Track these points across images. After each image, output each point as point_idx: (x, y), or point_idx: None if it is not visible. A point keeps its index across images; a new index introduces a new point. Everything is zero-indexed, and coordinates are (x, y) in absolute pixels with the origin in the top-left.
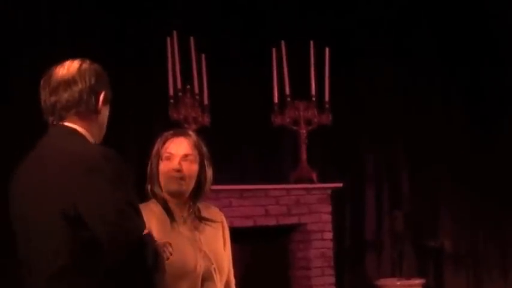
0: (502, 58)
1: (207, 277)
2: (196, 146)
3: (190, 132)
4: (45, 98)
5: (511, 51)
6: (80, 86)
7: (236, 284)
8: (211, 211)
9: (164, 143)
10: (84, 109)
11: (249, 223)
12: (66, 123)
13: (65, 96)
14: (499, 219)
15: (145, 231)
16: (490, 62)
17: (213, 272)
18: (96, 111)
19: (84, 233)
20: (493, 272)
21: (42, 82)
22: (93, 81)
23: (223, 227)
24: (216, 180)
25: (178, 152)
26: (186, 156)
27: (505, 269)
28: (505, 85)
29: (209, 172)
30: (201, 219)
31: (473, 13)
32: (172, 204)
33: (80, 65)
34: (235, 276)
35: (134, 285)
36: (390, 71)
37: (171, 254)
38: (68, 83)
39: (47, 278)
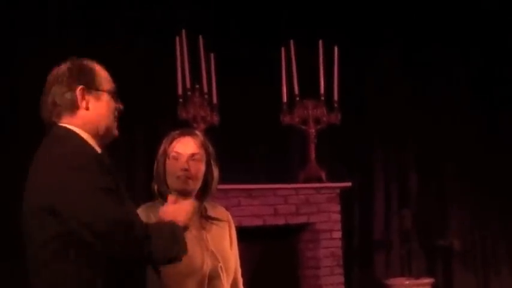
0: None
1: (213, 276)
2: (203, 146)
3: (197, 132)
4: (41, 100)
5: None
6: (55, 88)
7: (244, 283)
8: (217, 210)
9: (171, 143)
10: (69, 108)
11: (258, 222)
12: (60, 123)
13: (48, 98)
14: (507, 218)
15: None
16: (501, 61)
17: (220, 271)
18: (78, 107)
19: (68, 228)
20: (502, 271)
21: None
22: (64, 79)
23: (229, 226)
24: (225, 180)
25: (185, 152)
26: (193, 155)
27: None
28: None
29: (216, 171)
30: (208, 218)
31: (482, 10)
32: None
33: (59, 68)
34: (243, 276)
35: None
36: (400, 70)
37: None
38: (49, 86)
39: (39, 266)
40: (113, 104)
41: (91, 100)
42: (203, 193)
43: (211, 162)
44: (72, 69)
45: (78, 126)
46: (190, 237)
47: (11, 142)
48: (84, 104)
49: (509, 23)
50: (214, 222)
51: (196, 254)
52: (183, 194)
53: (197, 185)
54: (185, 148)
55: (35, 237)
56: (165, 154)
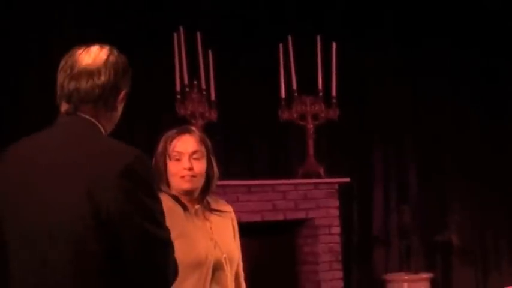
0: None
1: (218, 267)
2: (203, 141)
3: (194, 128)
4: (64, 82)
5: None
6: (103, 80)
7: (245, 278)
8: (220, 204)
9: (170, 142)
10: (102, 105)
11: (257, 218)
12: (83, 115)
13: (85, 86)
14: (507, 213)
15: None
16: (502, 56)
17: (224, 262)
18: (113, 109)
19: (108, 236)
20: (501, 266)
21: (62, 63)
22: (118, 77)
23: (232, 219)
24: (224, 176)
25: (186, 150)
26: (194, 153)
27: None
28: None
29: (215, 165)
30: (212, 210)
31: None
32: (182, 199)
33: (108, 56)
34: (244, 270)
35: None
36: (399, 66)
37: None
38: (92, 73)
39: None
40: None
41: (120, 105)
42: (206, 188)
43: (211, 157)
44: (123, 65)
45: (99, 123)
46: (194, 227)
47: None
48: (119, 107)
49: (509, 17)
50: (218, 214)
51: (201, 245)
52: (189, 193)
53: (201, 182)
54: (186, 147)
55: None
56: (165, 154)
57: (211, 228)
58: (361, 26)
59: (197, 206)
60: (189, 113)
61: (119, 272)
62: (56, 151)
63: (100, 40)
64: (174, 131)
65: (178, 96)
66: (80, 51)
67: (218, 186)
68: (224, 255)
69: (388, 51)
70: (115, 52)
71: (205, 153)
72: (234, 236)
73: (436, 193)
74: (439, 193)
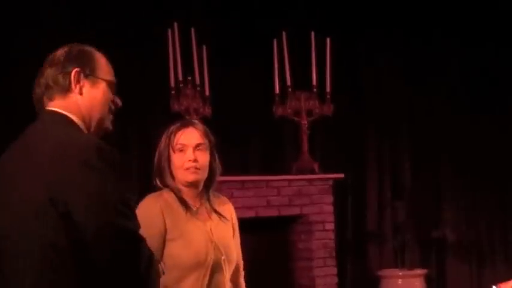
0: (506, 50)
1: (216, 268)
2: (206, 135)
3: (197, 122)
4: (33, 94)
5: None
6: (50, 70)
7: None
8: (221, 200)
9: (174, 135)
10: (57, 90)
11: (251, 214)
12: (50, 108)
13: (41, 81)
14: (501, 209)
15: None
16: (497, 52)
17: (223, 264)
18: (71, 90)
19: (72, 230)
20: (496, 262)
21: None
22: (60, 61)
23: (232, 217)
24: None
25: (190, 142)
26: (198, 145)
27: (508, 259)
28: (509, 77)
29: (217, 160)
30: (213, 210)
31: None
32: (185, 194)
33: (57, 51)
34: (244, 268)
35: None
36: (393, 61)
37: (163, 273)
38: (43, 68)
39: (32, 274)
40: (109, 95)
41: (86, 85)
42: (209, 183)
43: (214, 150)
44: (69, 52)
45: (71, 112)
46: (194, 228)
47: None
48: (78, 88)
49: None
50: (218, 213)
51: (201, 245)
52: (193, 185)
53: (205, 174)
54: (190, 139)
55: (26, 240)
56: (169, 147)
57: (211, 229)
58: (355, 22)
59: (198, 204)
60: (183, 108)
61: (88, 267)
62: (26, 148)
63: (94, 36)
64: (177, 124)
65: (173, 92)
66: None
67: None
68: (223, 257)
69: (382, 47)
70: (69, 45)
71: (208, 146)
72: (234, 233)
73: (430, 189)
74: (434, 189)
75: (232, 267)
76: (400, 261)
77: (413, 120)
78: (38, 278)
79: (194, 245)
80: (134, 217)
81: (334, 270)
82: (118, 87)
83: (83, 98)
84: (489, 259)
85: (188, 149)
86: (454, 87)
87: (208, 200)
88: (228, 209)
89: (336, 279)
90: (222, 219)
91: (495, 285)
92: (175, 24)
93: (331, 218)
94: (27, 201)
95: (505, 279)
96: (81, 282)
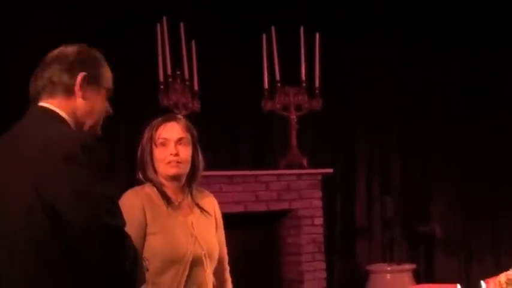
0: (495, 45)
1: (196, 263)
2: (188, 129)
3: (180, 116)
4: (30, 84)
5: (506, 37)
6: (55, 67)
7: (229, 262)
8: (204, 195)
9: (156, 130)
10: (60, 90)
11: (240, 209)
12: (44, 105)
13: (44, 74)
14: (490, 204)
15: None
16: (484, 48)
17: (203, 258)
18: (72, 92)
19: (58, 228)
20: (484, 257)
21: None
22: (69, 60)
23: (215, 212)
24: (207, 166)
25: (172, 137)
26: (180, 139)
27: (496, 255)
28: (498, 72)
29: (200, 155)
30: (195, 205)
31: None
32: (167, 189)
33: (66, 48)
34: (228, 262)
35: (109, 284)
36: (382, 57)
37: (147, 270)
38: (49, 61)
39: (21, 272)
40: (106, 104)
41: (89, 91)
42: (191, 177)
43: (197, 145)
44: (79, 53)
45: (67, 113)
46: (175, 222)
47: None
48: (80, 92)
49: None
50: (200, 207)
51: (180, 240)
52: (175, 179)
53: (187, 168)
54: (172, 133)
55: (15, 238)
56: (151, 141)
57: (192, 223)
58: (345, 17)
59: (180, 199)
60: (172, 103)
61: (75, 264)
62: (13, 146)
63: (83, 30)
64: (160, 118)
65: (162, 87)
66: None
67: (201, 176)
68: (204, 252)
69: (372, 42)
70: (68, 47)
71: (190, 141)
72: (217, 227)
73: (419, 184)
74: (422, 184)
75: (214, 262)
76: (388, 257)
77: (403, 115)
78: (26, 277)
79: (174, 239)
80: (120, 213)
81: (323, 265)
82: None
83: (82, 103)
84: (477, 254)
85: (170, 143)
86: (445, 84)
87: (191, 194)
88: (211, 204)
89: (324, 274)
90: (204, 213)
91: (483, 280)
92: (164, 19)
93: (320, 213)
94: (15, 199)
95: (493, 274)
96: (68, 279)
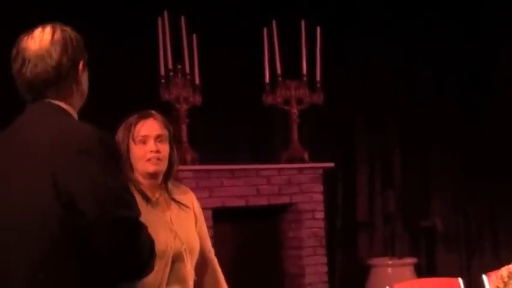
0: (494, 43)
1: (177, 258)
2: (166, 126)
3: (155, 112)
4: (19, 72)
5: (502, 34)
6: (55, 60)
7: (226, 264)
8: (181, 190)
9: (135, 127)
10: (65, 83)
11: (241, 203)
12: (49, 100)
13: (41, 71)
14: (490, 198)
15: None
16: (483, 46)
17: (184, 253)
18: (77, 82)
19: (75, 219)
20: (485, 251)
21: (14, 53)
22: (69, 51)
23: (193, 205)
24: (208, 160)
25: (151, 134)
26: (159, 136)
27: (497, 248)
28: (497, 68)
29: (175, 151)
30: (173, 200)
31: None
32: (144, 186)
33: (52, 36)
34: (228, 255)
35: (124, 275)
36: (383, 52)
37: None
38: (42, 57)
39: (31, 267)
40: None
41: (84, 76)
42: (167, 174)
43: (172, 141)
44: (77, 39)
45: (68, 104)
46: (154, 218)
47: None
48: (78, 80)
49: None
50: (179, 202)
51: (160, 236)
52: (153, 176)
53: (166, 165)
54: (151, 130)
55: (26, 224)
56: (128, 139)
57: (171, 218)
58: (346, 11)
59: (158, 195)
60: (173, 97)
61: (90, 255)
62: (23, 140)
63: (84, 24)
64: (136, 115)
65: (163, 81)
66: (25, 38)
67: (202, 170)
68: (184, 246)
69: (372, 36)
70: (58, 28)
71: (168, 137)
72: (197, 221)
73: (420, 178)
74: (423, 178)
75: (194, 257)
76: (390, 250)
77: (404, 109)
78: (41, 269)
79: (155, 236)
80: (135, 204)
81: (324, 259)
82: (107, 76)
83: (81, 86)
84: (479, 248)
85: (150, 140)
86: (444, 78)
87: (167, 190)
88: (189, 198)
89: (325, 268)
90: (183, 207)
91: (485, 274)
92: (166, 13)
93: (321, 207)
94: (28, 186)
95: (495, 268)
96: (84, 271)
